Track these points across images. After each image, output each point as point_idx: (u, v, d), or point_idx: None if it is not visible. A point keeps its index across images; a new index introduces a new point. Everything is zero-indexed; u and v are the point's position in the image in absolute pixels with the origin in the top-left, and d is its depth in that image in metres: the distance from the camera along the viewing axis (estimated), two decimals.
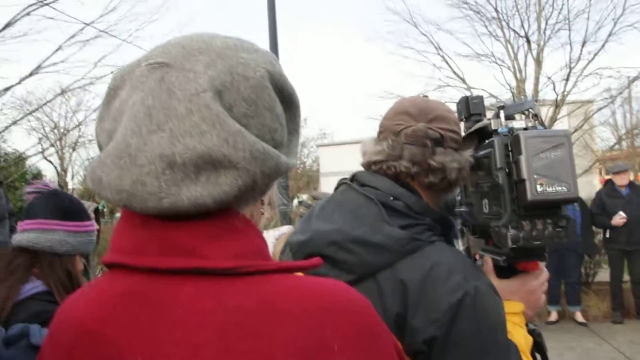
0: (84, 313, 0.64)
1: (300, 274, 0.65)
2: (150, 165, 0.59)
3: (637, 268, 6.79)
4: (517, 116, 1.23)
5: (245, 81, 0.63)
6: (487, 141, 1.27)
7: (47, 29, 9.58)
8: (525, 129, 1.17)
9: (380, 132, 1.26)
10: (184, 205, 0.59)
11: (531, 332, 1.25)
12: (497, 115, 1.22)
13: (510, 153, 1.13)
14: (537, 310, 1.27)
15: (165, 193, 0.58)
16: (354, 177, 1.24)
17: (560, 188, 1.06)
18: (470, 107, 1.40)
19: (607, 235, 6.95)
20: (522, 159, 1.07)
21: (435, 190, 1.21)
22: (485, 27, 10.68)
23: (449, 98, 10.80)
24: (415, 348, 0.99)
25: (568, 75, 9.54)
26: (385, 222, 1.08)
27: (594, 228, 7.19)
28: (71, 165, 21.40)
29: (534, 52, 10.10)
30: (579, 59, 9.55)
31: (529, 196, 1.05)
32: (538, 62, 10.01)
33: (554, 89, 9.58)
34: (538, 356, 1.30)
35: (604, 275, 7.57)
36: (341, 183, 1.25)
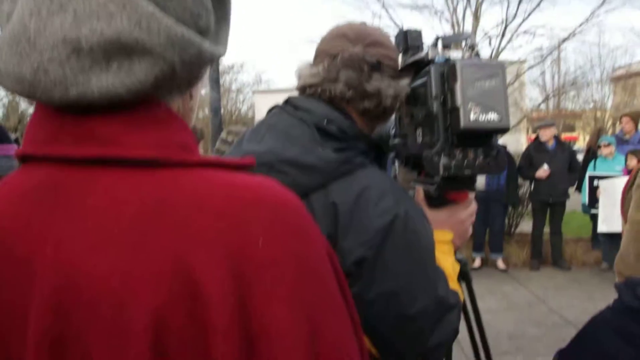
0: None
1: None
2: (52, 51, 0.52)
3: (557, 219, 7.20)
4: (453, 48, 1.23)
5: None
6: (423, 70, 1.27)
7: None
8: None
9: (316, 56, 1.23)
10: (93, 96, 0.54)
11: (458, 261, 1.30)
12: (434, 45, 1.21)
13: (446, 82, 1.13)
14: (464, 240, 1.30)
15: (72, 82, 0.53)
16: (287, 101, 1.21)
17: (493, 117, 1.07)
18: (409, 40, 1.38)
19: (532, 187, 7.30)
20: (457, 86, 1.07)
21: (370, 116, 1.20)
22: None
23: None
24: (345, 270, 0.99)
25: (503, 32, 9.76)
26: (317, 144, 1.06)
27: (520, 181, 7.52)
28: None
29: (473, 7, 10.23)
30: (515, 15, 9.77)
31: (462, 123, 1.06)
32: (476, 17, 10.15)
33: (490, 44, 9.79)
34: (463, 284, 1.35)
35: (525, 226, 7.99)
36: (274, 106, 1.22)
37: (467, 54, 1.19)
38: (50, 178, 0.57)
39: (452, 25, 10.45)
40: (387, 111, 1.21)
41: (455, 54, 1.18)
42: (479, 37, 10.11)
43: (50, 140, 0.57)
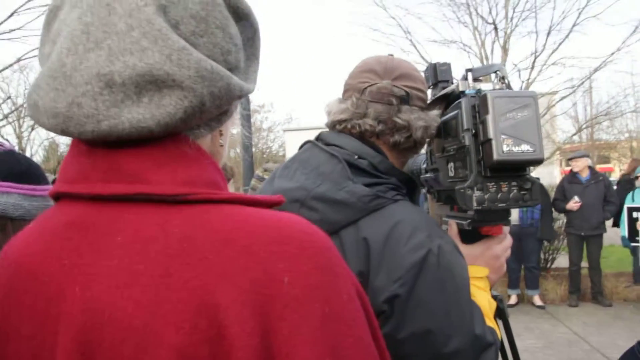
0: (23, 249, 0.60)
1: None
2: (86, 85, 0.54)
3: (593, 254, 6.97)
4: (484, 80, 1.22)
5: None
6: (454, 103, 1.26)
7: None
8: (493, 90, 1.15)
9: (344, 91, 1.23)
10: (124, 128, 0.55)
11: (494, 297, 1.26)
12: (464, 78, 1.21)
13: (477, 114, 1.11)
14: (500, 275, 1.26)
15: (104, 115, 0.54)
16: (318, 137, 1.21)
17: (526, 148, 1.04)
18: (438, 74, 1.38)
19: (566, 220, 7.13)
20: (489, 118, 1.05)
21: (400, 149, 1.19)
22: (454, 12, 10.75)
23: None
24: (376, 308, 0.96)
25: (533, 64, 9.70)
26: (348, 179, 1.05)
27: (555, 214, 7.34)
28: (30, 144, 20.80)
29: (501, 40, 10.22)
30: (544, 47, 9.71)
31: (495, 156, 1.04)
32: (504, 50, 10.13)
33: (519, 77, 9.73)
34: (500, 322, 1.30)
35: (562, 260, 7.77)
36: (305, 142, 1.22)
37: (497, 86, 1.18)
38: (80, 216, 0.57)
39: (481, 60, 10.44)
40: (417, 144, 1.19)
41: (486, 86, 1.17)
42: (508, 69, 10.07)
43: (81, 178, 0.58)
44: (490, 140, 1.05)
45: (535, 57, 9.68)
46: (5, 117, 16.41)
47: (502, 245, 1.24)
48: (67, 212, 0.59)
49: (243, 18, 0.65)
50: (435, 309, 0.97)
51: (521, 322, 6.02)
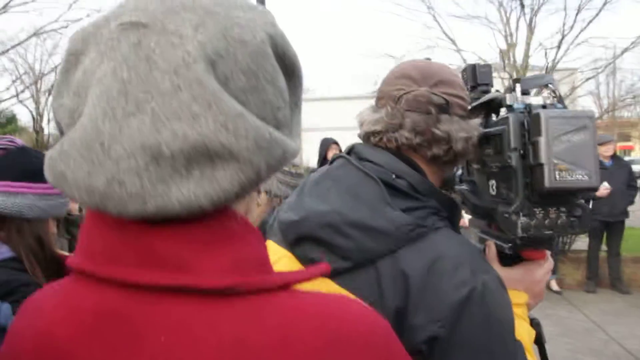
0: (48, 324, 0.52)
1: (306, 285, 0.53)
2: (129, 160, 0.46)
3: (615, 240, 6.86)
4: (532, 91, 1.12)
5: (243, 47, 0.50)
6: (499, 116, 1.16)
7: None
8: (544, 106, 1.05)
9: (378, 99, 1.12)
10: (174, 209, 0.46)
11: (531, 321, 1.19)
12: (512, 89, 1.11)
13: (526, 133, 1.02)
14: (539, 301, 1.20)
15: (150, 194, 0.46)
16: (352, 150, 1.12)
17: (581, 176, 0.95)
18: (478, 76, 1.28)
19: (590, 206, 6.98)
20: (542, 141, 0.96)
21: (439, 163, 1.09)
22: None
23: (438, 58, 10.63)
24: (413, 347, 0.89)
25: (560, 43, 9.39)
26: (387, 204, 0.96)
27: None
28: (47, 109, 20.84)
29: (527, 17, 9.92)
30: (572, 26, 9.39)
31: (547, 183, 0.95)
32: (530, 28, 9.83)
33: (545, 56, 9.45)
34: (536, 348, 1.23)
35: (581, 243, 7.64)
36: (338, 157, 1.13)
37: (548, 100, 1.08)
38: (113, 305, 0.49)
39: (505, 37, 10.16)
40: (458, 156, 1.09)
41: (536, 101, 1.07)
42: (533, 48, 9.79)
43: (110, 258, 0.50)
44: (541, 165, 0.96)
45: (563, 36, 9.37)
46: (27, 87, 16.44)
47: (544, 269, 1.17)
48: (96, 297, 0.50)
49: (289, 67, 0.57)
50: (478, 351, 0.90)
51: (538, 308, 5.94)
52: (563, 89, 9.93)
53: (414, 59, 1.20)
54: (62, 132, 0.54)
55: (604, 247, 7.02)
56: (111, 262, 0.49)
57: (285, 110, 0.55)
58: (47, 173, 0.50)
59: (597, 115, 13.49)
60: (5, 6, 8.29)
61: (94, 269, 0.50)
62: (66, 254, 1.63)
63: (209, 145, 0.46)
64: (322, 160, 6.40)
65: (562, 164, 0.95)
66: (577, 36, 9.48)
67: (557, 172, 0.95)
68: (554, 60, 9.43)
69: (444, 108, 1.05)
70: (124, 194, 0.46)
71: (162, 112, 0.46)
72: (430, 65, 1.12)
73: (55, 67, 15.85)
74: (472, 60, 10.42)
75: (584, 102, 16.06)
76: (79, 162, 0.47)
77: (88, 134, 0.47)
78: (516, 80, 1.11)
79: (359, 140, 1.16)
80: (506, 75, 9.44)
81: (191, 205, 0.47)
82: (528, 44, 9.83)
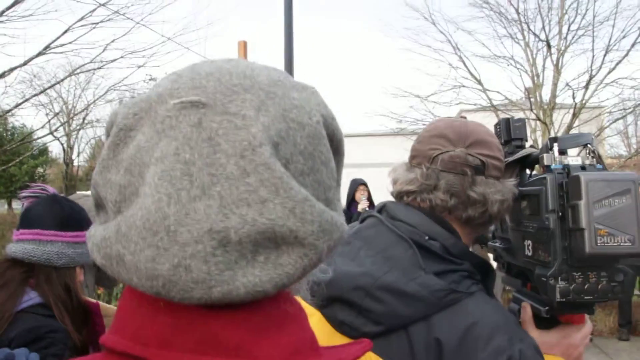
0: None
1: None
2: (197, 245, 0.44)
3: None
4: (570, 151, 1.09)
5: (301, 130, 0.50)
6: (535, 176, 1.14)
7: (56, 9, 9.27)
8: (583, 167, 1.03)
9: (412, 157, 1.11)
10: (239, 294, 0.45)
11: None
12: (549, 148, 1.08)
13: (565, 194, 0.99)
14: None
15: (216, 280, 0.45)
16: (383, 208, 1.10)
17: (623, 242, 0.92)
18: (512, 131, 1.26)
19: None
20: (582, 205, 0.93)
21: (473, 225, 1.06)
22: (505, 28, 10.46)
23: (464, 98, 10.64)
24: None
25: (588, 83, 9.30)
26: (420, 267, 0.94)
27: None
28: (77, 142, 21.35)
29: (554, 57, 9.88)
30: (600, 67, 9.30)
31: (588, 249, 0.92)
32: (557, 68, 9.78)
33: (573, 97, 9.35)
34: None
35: None
36: (369, 215, 1.11)
37: (587, 161, 1.05)
38: None
39: (532, 78, 10.12)
40: (492, 218, 1.07)
41: (574, 161, 1.05)
42: (559, 88, 9.72)
43: (162, 342, 0.47)
44: (582, 230, 0.93)
45: (591, 77, 9.29)
46: (62, 125, 16.87)
47: (582, 333, 1.12)
48: None
49: (336, 146, 0.56)
50: None
51: None
52: (591, 129, 9.83)
53: (448, 116, 1.18)
54: (100, 206, 0.53)
55: (637, 291, 6.79)
56: (164, 347, 0.47)
57: (336, 190, 0.55)
58: (98, 254, 0.49)
59: (626, 155, 13.31)
60: (45, 48, 8.67)
61: (145, 354, 0.47)
62: (93, 301, 1.64)
63: (277, 231, 0.45)
64: (351, 200, 6.42)
65: (604, 228, 0.92)
66: (605, 77, 9.39)
67: (598, 237, 0.92)
68: (581, 100, 9.33)
69: (480, 169, 1.03)
70: (189, 280, 0.45)
71: (229, 197, 0.45)
72: (466, 124, 1.10)
73: (89, 103, 16.26)
74: (497, 100, 10.39)
75: (612, 141, 15.84)
76: (140, 246, 0.45)
77: (152, 217, 0.45)
78: (553, 140, 1.09)
79: (384, 180, 1.14)
80: (532, 115, 9.37)
81: (256, 291, 0.46)
82: (555, 84, 9.77)
